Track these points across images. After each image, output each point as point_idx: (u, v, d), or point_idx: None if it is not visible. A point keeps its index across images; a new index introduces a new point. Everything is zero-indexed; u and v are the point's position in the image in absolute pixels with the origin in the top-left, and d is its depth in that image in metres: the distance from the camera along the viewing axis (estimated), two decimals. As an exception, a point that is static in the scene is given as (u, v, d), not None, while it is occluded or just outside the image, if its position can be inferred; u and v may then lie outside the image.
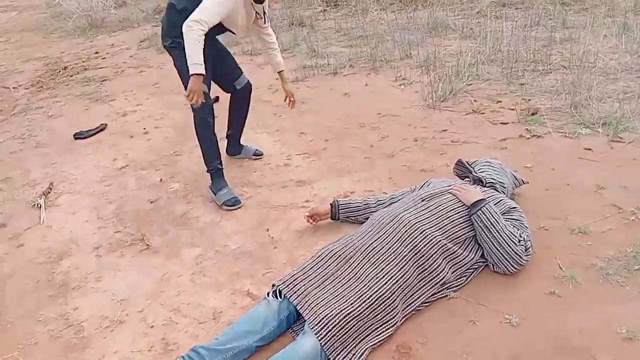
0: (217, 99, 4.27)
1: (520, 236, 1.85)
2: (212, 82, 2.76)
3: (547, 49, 4.00)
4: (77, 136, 3.88)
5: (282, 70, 2.95)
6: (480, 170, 2.20)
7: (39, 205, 2.93)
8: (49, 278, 2.32)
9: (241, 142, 3.20)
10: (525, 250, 1.84)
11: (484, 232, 1.86)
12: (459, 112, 3.36)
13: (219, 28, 2.53)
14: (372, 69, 4.43)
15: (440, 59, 4.24)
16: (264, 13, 2.69)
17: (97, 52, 6.63)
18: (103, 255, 2.43)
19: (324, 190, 2.69)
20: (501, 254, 1.83)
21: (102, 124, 4.05)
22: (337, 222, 2.35)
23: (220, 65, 2.80)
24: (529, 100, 3.33)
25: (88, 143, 3.79)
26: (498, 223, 1.85)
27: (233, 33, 2.68)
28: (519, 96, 3.41)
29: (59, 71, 5.94)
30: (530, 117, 3.08)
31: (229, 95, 3.02)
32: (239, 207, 2.65)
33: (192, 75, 2.35)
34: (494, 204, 1.94)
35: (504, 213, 1.95)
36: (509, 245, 1.82)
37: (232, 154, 3.20)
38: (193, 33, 2.30)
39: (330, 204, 2.33)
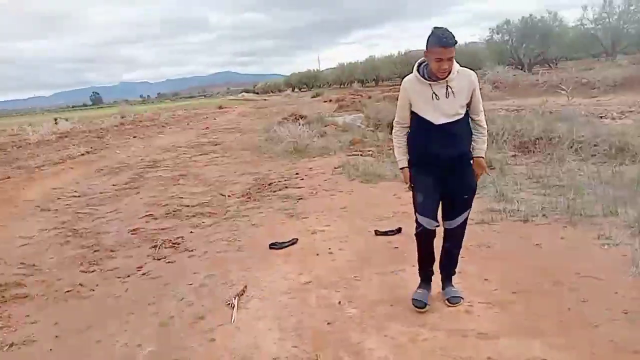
0: (399, 230, 4.43)
1: None
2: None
3: None
4: (272, 246, 4.33)
5: (481, 158, 2.87)
6: None
7: (233, 306, 3.26)
8: (231, 378, 2.49)
9: (448, 282, 3.12)
10: None
11: None
12: (683, 288, 2.86)
13: (418, 120, 2.80)
14: (568, 222, 4.13)
15: (655, 221, 3.77)
16: (448, 90, 2.70)
17: (297, 174, 7.56)
18: (279, 367, 2.54)
19: (510, 349, 2.45)
20: None
21: (294, 239, 4.47)
22: (525, 391, 2.09)
23: (447, 197, 2.88)
24: None
25: (280, 254, 4.19)
26: None
27: (430, 123, 2.74)
28: None
29: (265, 186, 6.89)
30: None
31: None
32: (420, 310, 2.92)
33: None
34: None
35: None
36: None
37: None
38: (392, 134, 3.02)
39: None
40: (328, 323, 2.95)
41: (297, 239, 4.48)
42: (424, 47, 2.68)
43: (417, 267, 3.11)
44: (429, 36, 2.64)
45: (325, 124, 13.47)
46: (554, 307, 2.82)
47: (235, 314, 3.16)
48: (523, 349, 2.44)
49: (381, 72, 56.55)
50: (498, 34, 37.79)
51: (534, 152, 7.10)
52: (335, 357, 2.58)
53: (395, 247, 4.07)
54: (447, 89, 2.70)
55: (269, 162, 8.94)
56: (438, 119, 2.73)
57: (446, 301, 3.00)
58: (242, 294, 3.44)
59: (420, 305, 2.94)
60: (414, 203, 2.92)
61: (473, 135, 2.88)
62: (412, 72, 2.82)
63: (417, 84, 2.77)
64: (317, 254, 4.10)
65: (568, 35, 35.40)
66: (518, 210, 4.50)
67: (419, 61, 2.79)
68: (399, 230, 4.43)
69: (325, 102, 28.78)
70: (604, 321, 2.60)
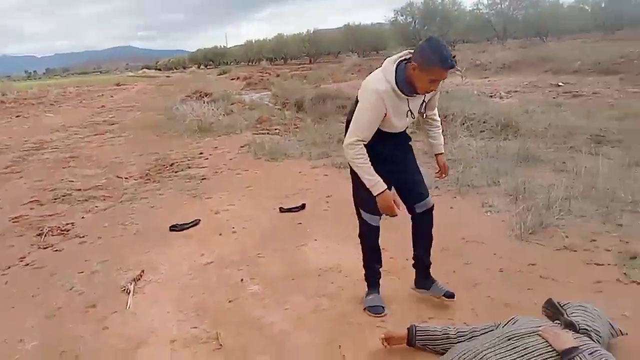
0: (303, 206, 4.49)
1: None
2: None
3: (648, 191, 3.81)
4: (172, 228, 4.18)
5: (442, 153, 2.74)
6: (573, 314, 2.05)
7: (128, 291, 3.11)
8: (125, 365, 2.39)
9: (432, 277, 2.75)
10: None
11: (578, 387, 1.67)
12: (548, 247, 3.22)
13: (379, 134, 2.40)
14: (457, 192, 4.45)
15: (530, 189, 4.18)
16: (424, 103, 2.45)
17: (201, 153, 7.33)
18: (178, 349, 2.48)
19: (400, 312, 2.62)
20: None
21: (196, 219, 4.35)
22: (412, 349, 2.24)
23: (403, 175, 2.58)
24: (628, 242, 3.13)
25: (181, 236, 4.06)
26: (595, 378, 1.66)
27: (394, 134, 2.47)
28: (615, 237, 3.22)
29: (166, 167, 6.60)
30: (628, 262, 2.87)
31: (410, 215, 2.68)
32: (381, 315, 2.59)
33: (376, 196, 2.38)
34: (589, 354, 1.77)
35: (601, 367, 1.75)
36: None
37: (419, 287, 2.77)
38: (351, 157, 2.37)
39: (408, 328, 2.26)
40: (229, 301, 2.93)
41: (199, 220, 4.37)
42: (417, 61, 2.19)
43: (324, 243, 3.05)
44: (426, 51, 2.17)
45: (231, 101, 13.13)
46: (441, 270, 3.01)
47: (131, 300, 3.02)
48: (413, 311, 2.61)
49: (290, 50, 56.33)
50: (402, 15, 39.17)
51: (430, 129, 7.50)
52: (236, 334, 2.58)
53: (299, 223, 4.13)
54: (423, 102, 2.43)
55: (171, 142, 8.56)
56: (401, 128, 2.47)
57: (443, 297, 2.67)
58: (139, 279, 3.30)
59: (380, 311, 2.62)
60: (356, 201, 2.61)
61: (430, 132, 2.70)
62: (380, 79, 2.31)
63: (394, 99, 2.31)
64: (220, 234, 4.04)
65: (465, 19, 37.66)
66: (413, 184, 4.75)
67: (394, 67, 2.30)
68: (303, 206, 4.49)
69: (232, 79, 28.07)
70: (483, 280, 2.87)
